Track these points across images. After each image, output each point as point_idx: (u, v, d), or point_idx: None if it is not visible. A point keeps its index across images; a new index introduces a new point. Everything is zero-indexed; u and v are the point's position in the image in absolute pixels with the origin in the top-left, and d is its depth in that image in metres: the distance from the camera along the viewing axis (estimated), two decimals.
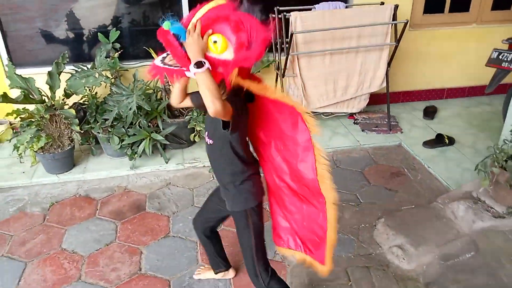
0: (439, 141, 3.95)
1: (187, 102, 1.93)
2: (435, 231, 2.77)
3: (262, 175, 2.03)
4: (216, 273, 2.50)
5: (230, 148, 1.84)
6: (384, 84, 4.22)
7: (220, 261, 2.44)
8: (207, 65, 1.56)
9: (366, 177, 3.56)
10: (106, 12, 4.07)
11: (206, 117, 1.93)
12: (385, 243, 2.77)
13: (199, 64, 1.55)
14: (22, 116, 3.30)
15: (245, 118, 1.85)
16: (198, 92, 1.70)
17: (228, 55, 1.60)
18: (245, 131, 1.92)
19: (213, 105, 1.54)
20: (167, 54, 1.71)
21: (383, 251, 2.73)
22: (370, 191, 3.36)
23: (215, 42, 1.60)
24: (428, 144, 3.95)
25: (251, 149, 2.02)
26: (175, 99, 1.92)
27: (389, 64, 4.15)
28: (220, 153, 1.88)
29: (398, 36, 3.96)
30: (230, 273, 2.54)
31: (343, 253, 2.73)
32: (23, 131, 3.33)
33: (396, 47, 4.03)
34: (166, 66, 1.67)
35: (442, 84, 4.99)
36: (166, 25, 1.61)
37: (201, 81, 1.56)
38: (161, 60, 1.70)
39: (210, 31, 1.60)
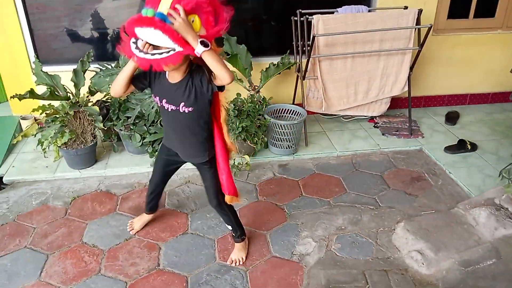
0: (461, 146, 3.89)
1: (130, 89, 2.12)
2: (456, 237, 2.73)
3: None
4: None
5: (208, 111, 2.20)
6: (406, 88, 4.18)
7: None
8: (208, 43, 1.81)
9: (385, 181, 3.53)
10: (129, 13, 4.14)
11: (175, 89, 2.10)
12: (404, 247, 2.74)
13: (205, 43, 1.81)
14: (48, 112, 3.37)
15: None
16: (139, 75, 2.10)
17: (202, 31, 1.87)
18: None
19: (228, 74, 1.87)
20: (136, 41, 1.86)
21: (402, 255, 2.71)
22: (389, 195, 3.33)
23: (193, 21, 1.83)
24: (449, 149, 3.90)
25: None
26: (123, 88, 2.07)
27: (411, 68, 4.12)
28: (198, 118, 2.19)
29: (421, 41, 3.93)
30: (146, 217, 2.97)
31: (361, 256, 2.71)
32: (48, 127, 3.40)
33: (419, 52, 3.99)
34: (156, 56, 1.82)
35: (465, 90, 4.92)
36: (150, 12, 1.76)
37: (210, 57, 1.84)
38: (138, 50, 1.85)
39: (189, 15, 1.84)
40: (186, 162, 2.50)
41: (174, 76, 2.08)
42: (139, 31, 1.82)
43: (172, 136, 2.35)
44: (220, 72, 1.87)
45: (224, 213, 2.60)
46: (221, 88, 2.07)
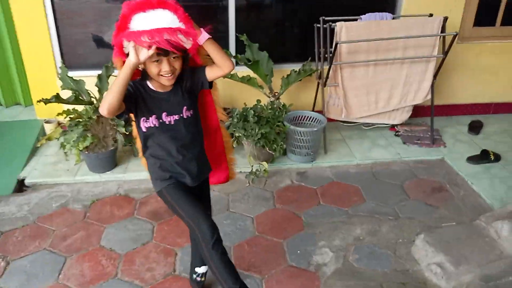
0: (484, 157, 3.79)
1: (122, 107, 1.80)
2: (477, 251, 2.65)
3: None
4: None
5: (198, 115, 2.10)
6: (429, 97, 4.11)
7: None
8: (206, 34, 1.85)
9: (405, 191, 3.47)
10: None
11: (172, 96, 1.97)
12: (424, 259, 2.68)
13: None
14: (71, 116, 3.44)
15: None
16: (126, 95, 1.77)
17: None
18: None
19: (230, 61, 1.90)
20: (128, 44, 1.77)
21: (421, 268, 2.65)
22: (409, 206, 3.27)
23: None
24: (472, 160, 3.80)
25: None
26: (119, 101, 1.71)
27: (435, 76, 4.04)
28: (196, 123, 2.07)
29: (446, 49, 3.85)
30: None
31: (379, 268, 2.66)
32: (71, 131, 3.47)
33: (443, 60, 3.92)
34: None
35: (489, 99, 4.80)
36: None
37: (214, 45, 1.87)
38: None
39: None
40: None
41: (165, 83, 1.91)
42: (140, 18, 1.74)
43: (180, 155, 2.02)
44: (222, 59, 1.88)
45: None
46: (211, 85, 2.02)
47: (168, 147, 2.00)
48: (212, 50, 1.87)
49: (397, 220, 3.11)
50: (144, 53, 1.72)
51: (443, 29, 3.85)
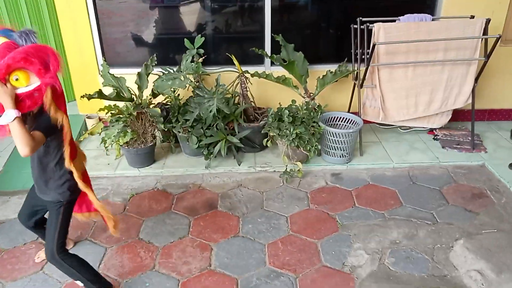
0: None
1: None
2: None
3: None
4: None
5: None
6: (470, 101, 4.00)
7: None
8: (14, 114, 1.78)
9: (444, 196, 3.39)
10: (191, 19, 4.28)
11: None
12: (463, 266, 2.62)
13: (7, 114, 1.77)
14: (113, 112, 3.55)
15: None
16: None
17: (35, 81, 1.84)
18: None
19: (22, 151, 1.81)
20: None
21: (460, 274, 2.59)
22: (448, 211, 3.20)
23: (16, 79, 1.82)
24: None
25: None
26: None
27: (476, 79, 3.94)
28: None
29: (488, 51, 3.75)
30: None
31: (416, 272, 2.62)
32: (112, 126, 3.58)
33: (485, 63, 3.82)
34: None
35: None
36: None
37: (12, 129, 1.80)
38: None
39: (7, 76, 1.80)
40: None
41: None
42: None
43: None
44: (17, 145, 1.82)
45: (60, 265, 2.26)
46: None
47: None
48: (11, 133, 1.82)
49: (435, 225, 3.05)
50: None
51: (485, 31, 3.74)
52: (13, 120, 1.78)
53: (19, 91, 1.83)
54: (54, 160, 2.13)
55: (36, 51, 1.83)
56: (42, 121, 1.95)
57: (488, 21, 3.71)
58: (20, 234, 2.98)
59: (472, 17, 3.90)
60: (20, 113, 1.81)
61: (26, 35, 1.89)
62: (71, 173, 2.18)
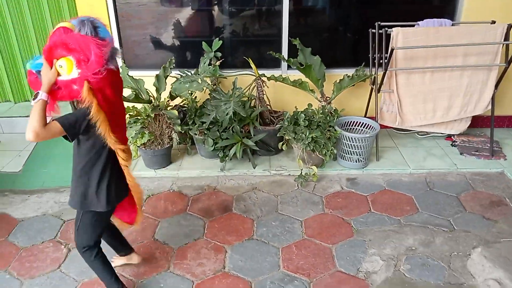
0: None
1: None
2: None
3: None
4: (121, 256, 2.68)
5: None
6: (490, 107, 3.95)
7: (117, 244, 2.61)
8: (42, 96, 1.83)
9: (462, 203, 3.34)
10: (209, 23, 4.32)
11: None
12: (480, 274, 2.58)
13: (35, 96, 1.84)
14: (131, 113, 3.60)
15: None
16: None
17: (75, 73, 1.86)
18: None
19: (27, 134, 1.79)
20: None
21: (477, 283, 2.54)
22: (465, 218, 3.15)
23: (60, 66, 1.86)
24: None
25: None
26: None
27: (496, 85, 3.88)
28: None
29: (509, 57, 3.69)
30: (134, 258, 2.68)
31: (432, 280, 2.59)
32: (130, 127, 3.63)
33: (506, 69, 3.76)
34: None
35: None
36: (27, 65, 1.92)
37: (32, 109, 1.82)
38: None
39: (55, 60, 1.86)
40: None
41: None
42: None
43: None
44: (28, 125, 1.81)
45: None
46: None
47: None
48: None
49: (452, 232, 3.00)
50: None
51: (506, 37, 3.69)
52: (37, 101, 1.83)
53: (60, 78, 1.88)
54: (81, 164, 2.09)
55: (80, 41, 1.84)
56: (68, 115, 1.95)
57: (509, 26, 3.65)
58: (39, 233, 3.04)
59: (493, 22, 3.84)
60: (49, 99, 1.86)
61: (82, 24, 1.90)
62: (92, 184, 2.11)
